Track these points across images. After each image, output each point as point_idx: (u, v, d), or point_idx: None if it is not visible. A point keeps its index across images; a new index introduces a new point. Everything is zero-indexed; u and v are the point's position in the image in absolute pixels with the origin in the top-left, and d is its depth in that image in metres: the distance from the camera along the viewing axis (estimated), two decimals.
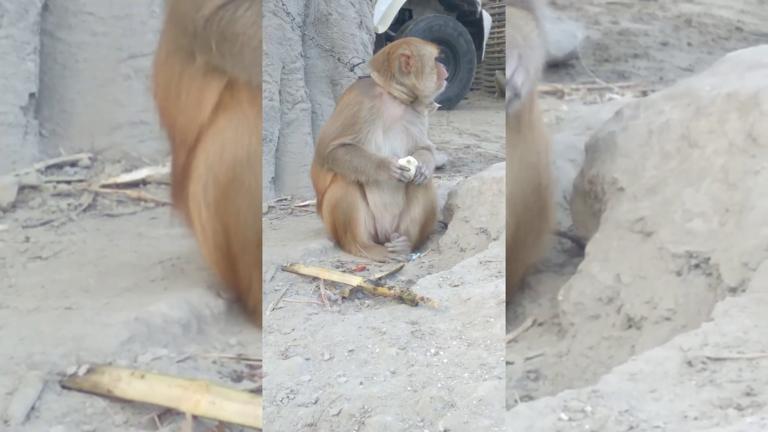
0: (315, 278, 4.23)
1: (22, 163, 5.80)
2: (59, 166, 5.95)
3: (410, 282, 4.32)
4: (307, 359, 3.28)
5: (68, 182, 5.76)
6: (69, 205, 5.43)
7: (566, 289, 3.60)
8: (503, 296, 3.52)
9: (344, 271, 4.43)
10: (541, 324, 3.78)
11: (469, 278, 3.94)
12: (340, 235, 5.04)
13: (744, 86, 3.47)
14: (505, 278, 3.67)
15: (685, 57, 9.60)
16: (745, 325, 2.66)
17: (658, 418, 2.28)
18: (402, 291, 3.83)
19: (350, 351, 3.32)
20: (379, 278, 4.30)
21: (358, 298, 4.06)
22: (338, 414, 2.84)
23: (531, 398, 3.15)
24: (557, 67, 8.93)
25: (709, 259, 3.15)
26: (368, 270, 4.62)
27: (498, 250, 4.08)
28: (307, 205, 6.11)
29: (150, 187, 5.82)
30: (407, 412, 2.83)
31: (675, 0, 11.22)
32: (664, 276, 3.27)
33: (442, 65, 4.94)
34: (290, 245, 4.89)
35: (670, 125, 3.60)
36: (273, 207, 6.09)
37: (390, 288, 3.93)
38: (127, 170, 5.99)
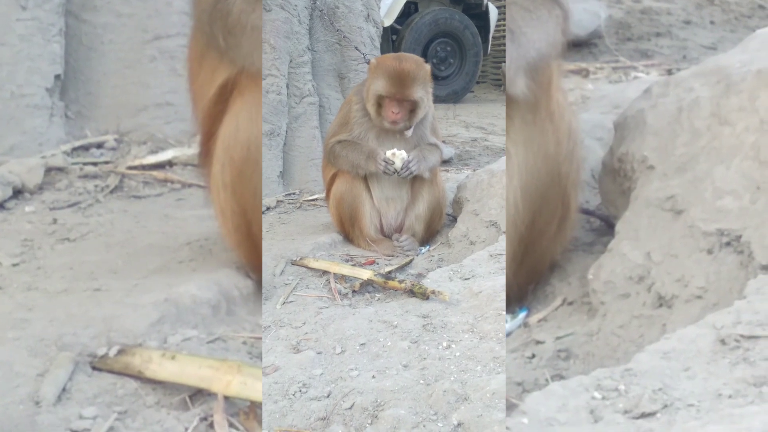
0: (325, 272, 4.23)
1: (48, 145, 5.84)
2: (85, 148, 5.98)
3: (420, 275, 4.31)
4: (319, 353, 3.28)
5: (95, 164, 5.79)
6: (96, 186, 5.45)
7: (596, 267, 3.58)
8: (503, 294, 3.54)
9: (354, 265, 4.42)
10: (570, 303, 3.76)
11: (479, 271, 3.93)
12: (348, 229, 5.01)
13: None
14: (505, 274, 3.65)
15: (708, 35, 9.53)
16: None
17: (691, 397, 2.27)
18: (413, 284, 3.82)
19: (362, 345, 3.32)
20: (389, 272, 4.30)
21: (369, 292, 4.05)
22: (351, 407, 2.85)
23: (562, 377, 3.14)
24: (581, 46, 8.89)
25: (740, 236, 3.13)
26: (378, 264, 4.61)
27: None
28: (316, 199, 6.08)
29: (176, 168, 5.84)
30: (420, 405, 2.82)
31: None
32: (695, 254, 3.25)
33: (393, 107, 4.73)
34: (299, 239, 4.88)
35: (700, 103, 3.57)
36: (281, 201, 6.06)
37: (401, 281, 3.92)
38: (153, 151, 6.02)
